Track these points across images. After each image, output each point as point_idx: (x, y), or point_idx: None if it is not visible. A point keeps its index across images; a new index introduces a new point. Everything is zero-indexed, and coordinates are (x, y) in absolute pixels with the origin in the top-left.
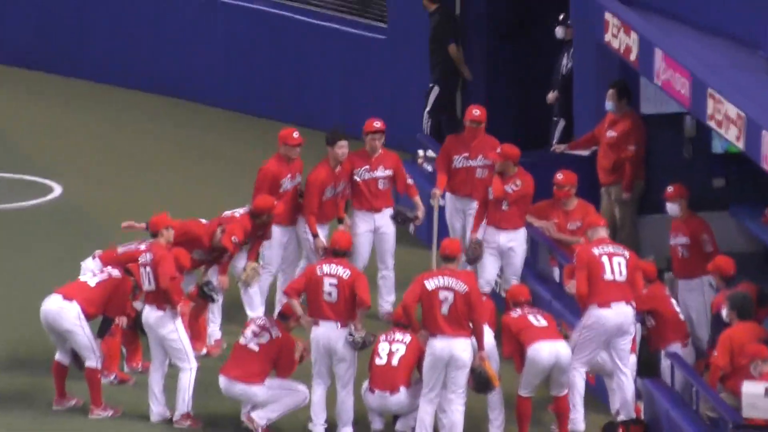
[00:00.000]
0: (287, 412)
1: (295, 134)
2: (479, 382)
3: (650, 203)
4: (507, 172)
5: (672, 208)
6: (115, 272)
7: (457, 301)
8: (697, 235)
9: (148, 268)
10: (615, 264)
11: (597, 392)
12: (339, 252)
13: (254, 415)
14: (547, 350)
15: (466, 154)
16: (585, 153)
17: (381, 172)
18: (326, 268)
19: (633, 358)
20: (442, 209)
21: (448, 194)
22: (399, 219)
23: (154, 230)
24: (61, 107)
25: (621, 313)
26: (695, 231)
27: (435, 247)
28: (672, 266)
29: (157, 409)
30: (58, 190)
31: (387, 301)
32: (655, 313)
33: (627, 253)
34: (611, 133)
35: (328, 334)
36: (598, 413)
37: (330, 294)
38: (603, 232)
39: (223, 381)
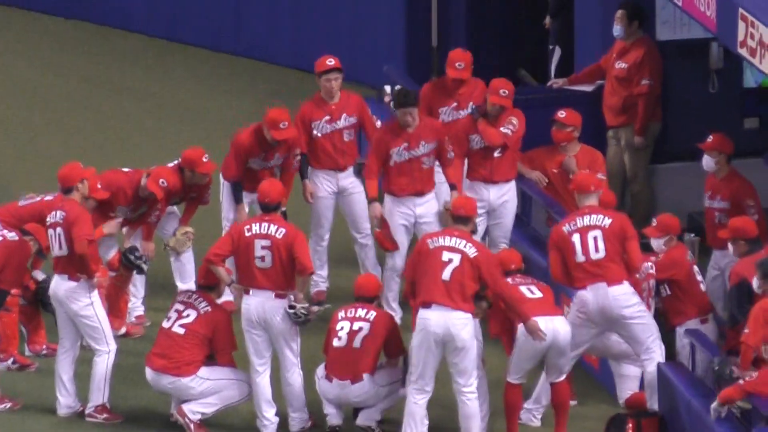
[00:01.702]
0: (227, 406)
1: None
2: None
3: (667, 150)
4: (497, 112)
5: (708, 162)
6: (11, 234)
7: (463, 266)
8: (740, 199)
9: (59, 229)
10: (589, 240)
11: (601, 379)
12: (269, 206)
13: (186, 408)
14: (542, 327)
15: (451, 106)
16: (588, 89)
17: (344, 121)
18: (255, 227)
19: (652, 333)
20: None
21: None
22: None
23: (65, 185)
24: None
25: (600, 296)
26: (738, 194)
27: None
28: (705, 231)
29: (65, 400)
30: None
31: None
32: (673, 283)
33: (607, 221)
34: (620, 65)
35: (262, 305)
36: (601, 403)
37: (263, 258)
38: (592, 200)
39: (149, 373)
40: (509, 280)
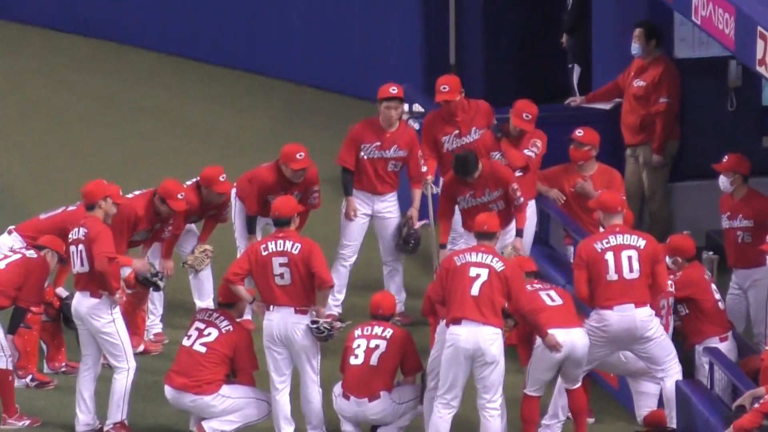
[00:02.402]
0: (246, 425)
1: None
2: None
3: (685, 168)
4: (519, 134)
5: (724, 182)
6: (30, 252)
7: (491, 280)
8: (764, 217)
9: (80, 246)
10: (623, 260)
11: (620, 397)
12: (282, 221)
13: (206, 426)
14: (560, 340)
15: (453, 133)
16: (606, 107)
17: (393, 152)
18: (272, 245)
19: (670, 352)
20: (436, 197)
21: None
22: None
23: (89, 201)
24: None
25: (627, 318)
26: (762, 212)
27: (435, 242)
28: (726, 252)
29: (85, 417)
30: None
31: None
32: (691, 301)
33: (642, 242)
34: (639, 83)
35: (284, 321)
36: (619, 421)
37: (282, 276)
38: (618, 219)
39: (168, 391)
40: (528, 286)
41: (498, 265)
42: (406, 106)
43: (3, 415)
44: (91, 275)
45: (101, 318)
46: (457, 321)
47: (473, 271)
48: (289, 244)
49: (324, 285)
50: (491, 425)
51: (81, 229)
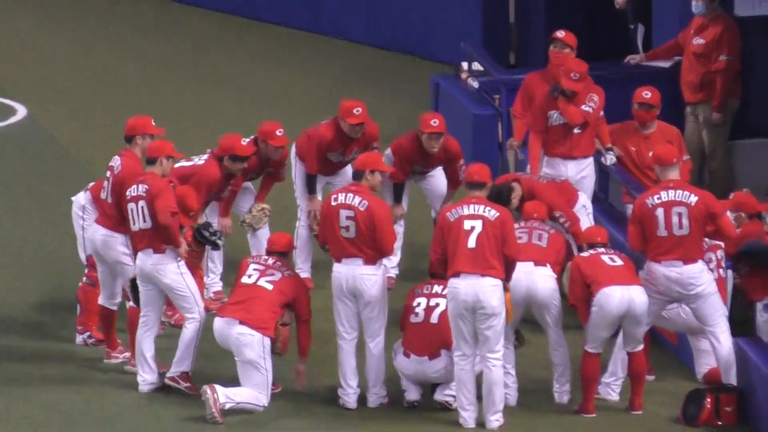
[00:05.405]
0: (241, 404)
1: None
2: None
3: (746, 126)
4: (572, 94)
5: None
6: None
7: (487, 231)
8: None
9: (141, 203)
10: (673, 216)
11: (680, 354)
12: (359, 172)
13: (219, 389)
14: (618, 296)
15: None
16: (666, 65)
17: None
18: (342, 196)
19: (722, 313)
20: (521, 163)
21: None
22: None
23: (152, 155)
24: (31, 20)
25: (674, 272)
26: None
27: None
28: None
29: (149, 377)
30: (22, 111)
31: None
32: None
33: (693, 199)
34: (698, 41)
35: (352, 272)
36: (679, 379)
37: (347, 229)
38: (675, 173)
39: (218, 322)
40: (591, 251)
41: (491, 214)
42: (465, 64)
43: (107, 349)
44: (154, 231)
45: (168, 270)
46: (456, 275)
47: (467, 224)
48: (357, 199)
49: (383, 253)
50: (494, 375)
51: (140, 185)
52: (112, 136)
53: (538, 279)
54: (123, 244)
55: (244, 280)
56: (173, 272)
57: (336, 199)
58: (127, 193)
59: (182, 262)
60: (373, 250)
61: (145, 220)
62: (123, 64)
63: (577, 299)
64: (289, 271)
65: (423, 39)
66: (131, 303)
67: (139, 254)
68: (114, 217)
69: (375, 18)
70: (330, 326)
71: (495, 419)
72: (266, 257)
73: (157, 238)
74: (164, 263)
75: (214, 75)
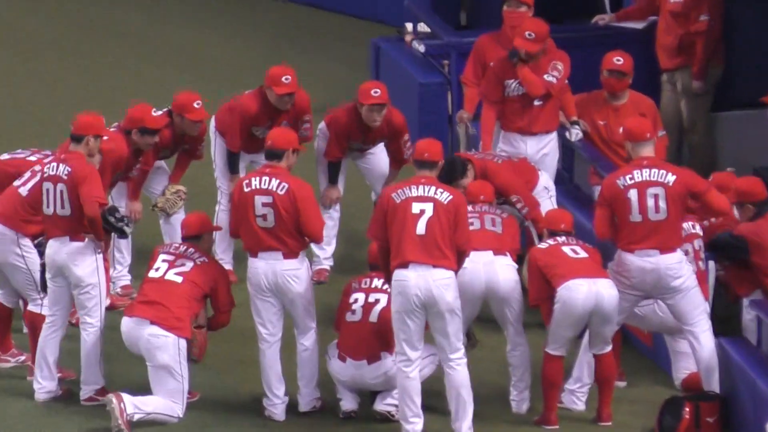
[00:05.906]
0: (152, 415)
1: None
2: None
3: (731, 96)
4: (536, 57)
5: None
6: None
7: (439, 215)
8: None
9: (60, 186)
10: (648, 198)
11: (656, 356)
12: (273, 152)
13: (126, 398)
14: (584, 290)
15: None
16: (639, 26)
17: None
18: (255, 181)
19: (703, 309)
20: (474, 138)
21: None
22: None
23: (78, 132)
24: None
25: (650, 263)
26: None
27: None
28: None
29: (47, 384)
30: None
31: None
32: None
33: (671, 178)
34: None
35: (272, 268)
36: (655, 385)
37: (264, 217)
38: (649, 150)
39: (126, 323)
40: (551, 241)
41: (444, 197)
42: (409, 25)
43: None
44: (72, 219)
45: (85, 264)
46: (403, 265)
47: (416, 207)
48: (275, 182)
49: (312, 240)
50: (459, 377)
51: (63, 166)
52: (14, 100)
53: (499, 270)
54: (14, 242)
55: (152, 274)
56: (89, 266)
57: (249, 185)
58: (45, 169)
59: (101, 257)
60: (295, 240)
61: (63, 207)
62: (26, 21)
63: (538, 299)
64: (203, 258)
65: None
66: (35, 300)
67: (51, 242)
68: (9, 214)
69: None
70: (254, 324)
71: (467, 427)
72: (177, 245)
73: (77, 226)
74: (82, 254)
75: (128, 37)
